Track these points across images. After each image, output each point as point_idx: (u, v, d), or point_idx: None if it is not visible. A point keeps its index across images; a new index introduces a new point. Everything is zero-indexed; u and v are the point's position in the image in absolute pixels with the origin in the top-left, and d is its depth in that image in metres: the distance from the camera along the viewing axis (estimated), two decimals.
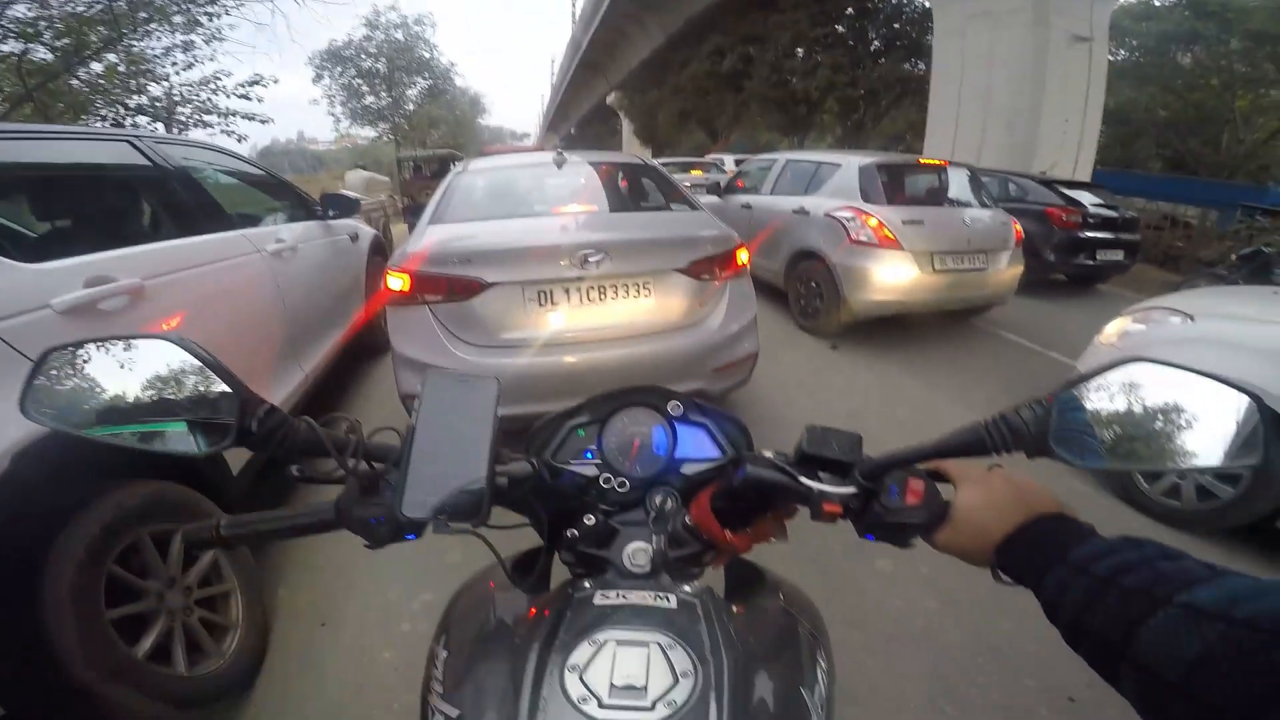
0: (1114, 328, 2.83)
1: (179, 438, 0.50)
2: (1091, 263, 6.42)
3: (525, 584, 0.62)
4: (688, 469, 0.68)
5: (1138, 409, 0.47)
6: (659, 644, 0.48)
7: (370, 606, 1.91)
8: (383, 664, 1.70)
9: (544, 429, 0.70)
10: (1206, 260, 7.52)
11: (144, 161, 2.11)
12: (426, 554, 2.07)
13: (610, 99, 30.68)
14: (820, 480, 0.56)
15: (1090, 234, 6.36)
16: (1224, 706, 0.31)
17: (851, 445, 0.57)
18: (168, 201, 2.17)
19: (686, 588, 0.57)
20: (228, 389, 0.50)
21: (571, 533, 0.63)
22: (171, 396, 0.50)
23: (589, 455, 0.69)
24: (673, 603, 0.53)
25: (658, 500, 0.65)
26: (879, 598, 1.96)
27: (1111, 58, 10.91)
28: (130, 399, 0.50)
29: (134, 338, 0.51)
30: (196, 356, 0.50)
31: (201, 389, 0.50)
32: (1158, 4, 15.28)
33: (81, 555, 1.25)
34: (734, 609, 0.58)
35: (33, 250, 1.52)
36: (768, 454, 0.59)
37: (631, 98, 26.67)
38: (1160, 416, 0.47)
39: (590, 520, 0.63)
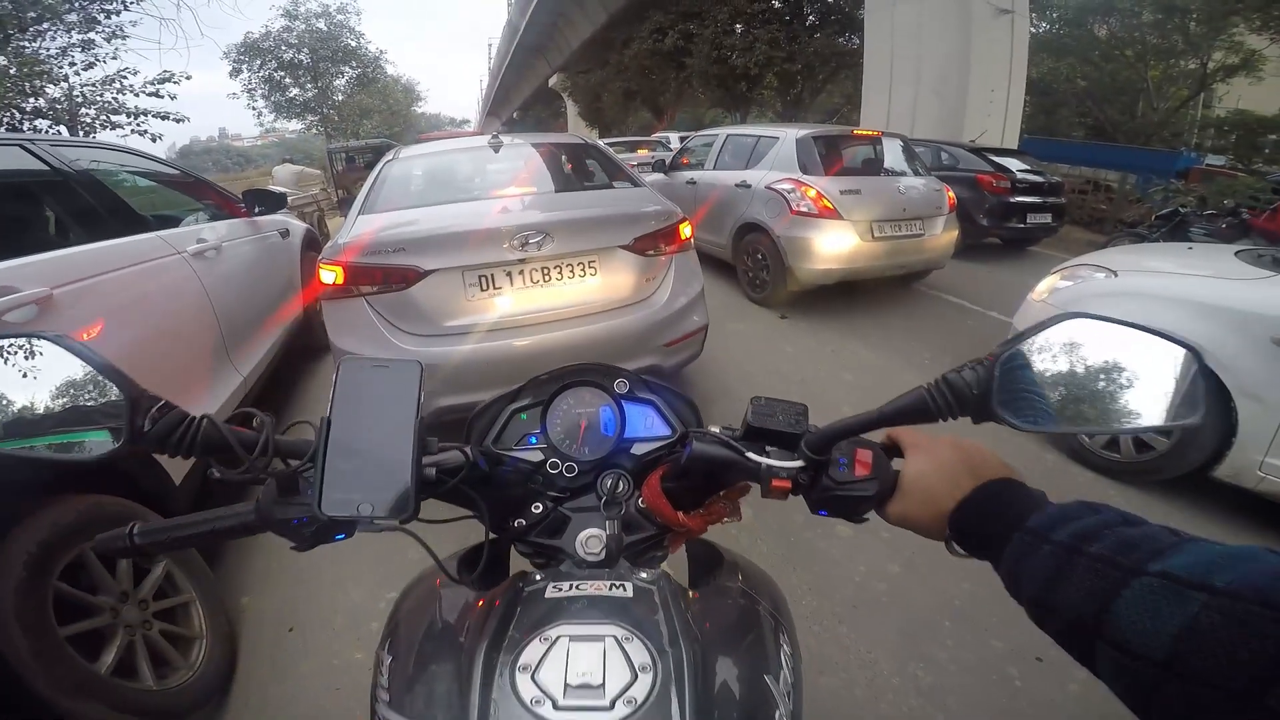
0: (1045, 285, 2.98)
1: (62, 445, 0.46)
2: (1022, 225, 6.73)
3: (474, 580, 0.59)
4: (638, 449, 0.65)
5: (1080, 367, 0.45)
6: (615, 637, 0.45)
7: (336, 609, 1.88)
8: (356, 664, 1.69)
9: (482, 415, 0.68)
10: (1128, 221, 8.01)
11: (41, 166, 1.97)
12: (388, 551, 2.06)
13: (553, 81, 30.00)
14: (768, 455, 0.53)
15: (1019, 199, 6.65)
16: (1220, 684, 0.28)
17: (797, 416, 0.54)
18: (72, 206, 2.03)
19: (643, 574, 0.54)
20: (115, 387, 0.46)
21: (519, 522, 0.61)
22: (52, 400, 0.46)
23: (533, 440, 0.66)
24: (629, 591, 0.51)
25: (608, 484, 0.63)
26: (843, 565, 2.00)
27: (1033, 29, 11.33)
28: (3, 405, 0.45)
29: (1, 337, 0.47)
30: (76, 354, 0.46)
31: (86, 389, 0.46)
32: None
33: (22, 574, 1.22)
34: (692, 594, 0.56)
35: None
36: (714, 430, 0.57)
37: (575, 79, 26.19)
38: (1103, 374, 0.45)
39: (538, 508, 0.61)
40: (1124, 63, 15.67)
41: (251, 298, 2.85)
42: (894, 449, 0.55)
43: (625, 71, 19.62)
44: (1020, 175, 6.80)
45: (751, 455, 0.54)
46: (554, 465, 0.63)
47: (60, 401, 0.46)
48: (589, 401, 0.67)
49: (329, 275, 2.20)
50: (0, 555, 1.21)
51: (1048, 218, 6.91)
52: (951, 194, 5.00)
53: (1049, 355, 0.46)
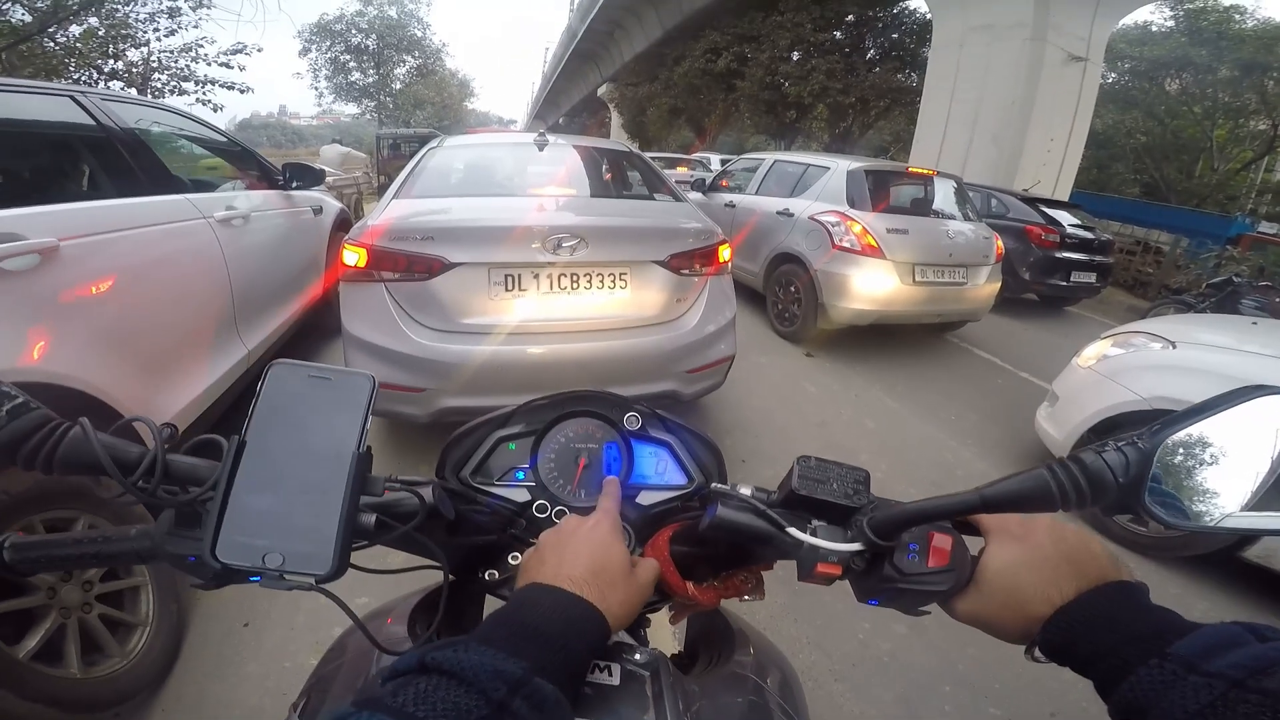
0: (1093, 350, 2.80)
1: None
2: (1065, 284, 6.41)
3: (427, 640, 0.49)
4: (645, 498, 0.56)
5: (1265, 453, 0.37)
6: None
7: (300, 608, 1.78)
8: (307, 670, 1.57)
9: (462, 441, 0.58)
10: (1174, 287, 7.68)
11: (86, 120, 1.96)
12: (367, 551, 1.96)
13: (602, 90, 30.40)
14: (814, 532, 0.44)
15: (1066, 254, 6.38)
16: None
17: (856, 485, 0.45)
18: (107, 162, 2.02)
19: (637, 655, 0.45)
20: None
21: (490, 574, 0.52)
22: None
23: (520, 476, 0.57)
24: (614, 677, 0.43)
25: None
26: (847, 620, 1.90)
27: (1101, 80, 11.06)
28: None
29: None
30: None
31: None
32: (1155, 29, 15.52)
33: None
34: (694, 687, 0.47)
35: None
36: (745, 491, 0.48)
37: (623, 90, 26.44)
38: None
39: (516, 559, 0.52)
40: (1190, 119, 15.19)
41: (272, 271, 2.82)
42: (966, 526, 0.46)
43: (673, 88, 19.74)
44: (1070, 230, 6.52)
45: (793, 531, 0.44)
46: (542, 509, 0.54)
47: None
48: (591, 436, 0.58)
49: (352, 256, 2.15)
50: None
51: (1092, 277, 6.60)
52: (1000, 244, 4.81)
53: (1221, 437, 0.38)
